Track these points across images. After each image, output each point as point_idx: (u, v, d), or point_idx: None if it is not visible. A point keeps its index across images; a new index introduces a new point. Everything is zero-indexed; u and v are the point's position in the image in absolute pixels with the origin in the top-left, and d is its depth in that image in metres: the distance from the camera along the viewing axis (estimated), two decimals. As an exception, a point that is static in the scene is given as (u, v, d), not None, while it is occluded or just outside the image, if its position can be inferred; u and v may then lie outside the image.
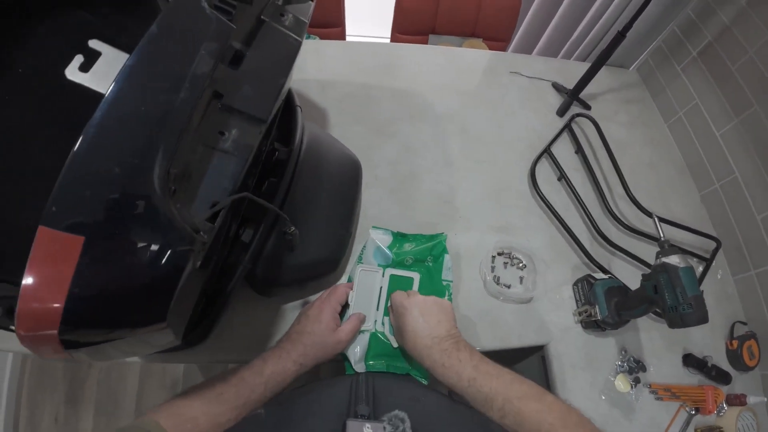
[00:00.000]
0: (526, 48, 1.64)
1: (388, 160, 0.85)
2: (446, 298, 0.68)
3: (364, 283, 0.63)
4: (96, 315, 0.26)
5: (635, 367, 0.72)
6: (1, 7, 0.45)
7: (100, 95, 0.28)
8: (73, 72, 0.31)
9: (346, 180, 0.73)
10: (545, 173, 0.90)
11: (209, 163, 0.36)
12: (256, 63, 0.41)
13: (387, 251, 0.68)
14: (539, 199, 0.84)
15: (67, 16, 0.51)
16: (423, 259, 0.70)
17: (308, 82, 0.98)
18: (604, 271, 0.78)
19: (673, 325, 0.59)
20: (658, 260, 0.61)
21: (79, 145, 0.26)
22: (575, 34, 1.39)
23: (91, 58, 0.32)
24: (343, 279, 0.70)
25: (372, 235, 0.70)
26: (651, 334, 0.76)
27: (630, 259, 0.81)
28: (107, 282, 0.26)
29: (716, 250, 0.86)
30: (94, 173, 0.26)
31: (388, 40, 1.40)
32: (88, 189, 0.25)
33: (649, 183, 0.94)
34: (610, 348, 0.73)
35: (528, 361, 0.84)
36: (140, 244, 0.27)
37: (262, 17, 0.45)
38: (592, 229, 0.82)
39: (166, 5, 0.32)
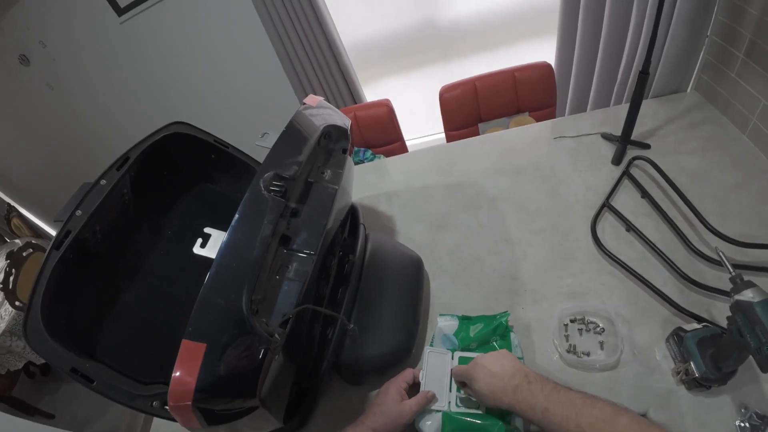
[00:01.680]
0: (581, 106, 1.76)
1: (449, 249, 1.01)
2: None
3: (434, 364, 0.75)
4: (214, 391, 0.47)
5: (760, 425, 0.65)
6: (154, 189, 0.80)
7: (212, 260, 0.52)
8: (197, 248, 0.57)
9: (409, 276, 0.90)
10: (611, 228, 0.95)
11: (280, 288, 0.57)
12: (308, 214, 0.64)
13: (453, 338, 0.81)
14: (607, 256, 0.89)
15: (202, 187, 0.92)
16: (487, 341, 0.80)
17: (377, 197, 1.23)
18: (699, 319, 0.77)
19: (764, 369, 0.56)
20: (732, 299, 0.62)
21: (201, 290, 0.49)
22: (618, 77, 1.48)
23: (205, 239, 0.58)
24: (418, 364, 0.83)
25: (439, 323, 0.84)
26: None
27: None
28: (220, 369, 0.47)
29: None
30: (210, 305, 0.49)
31: (443, 135, 1.65)
32: (207, 314, 0.48)
33: (741, 206, 0.92)
34: (725, 407, 0.68)
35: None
36: (237, 345, 0.48)
37: (309, 180, 0.70)
38: (678, 275, 0.83)
39: (245, 196, 0.57)
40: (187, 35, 2.11)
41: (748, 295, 0.59)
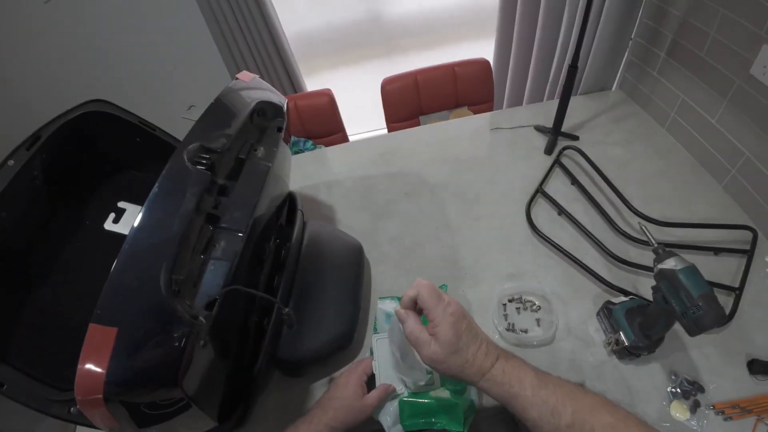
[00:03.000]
0: (517, 101, 1.84)
1: (391, 236, 1.00)
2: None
3: (383, 350, 0.73)
4: (128, 380, 0.41)
5: (690, 390, 0.70)
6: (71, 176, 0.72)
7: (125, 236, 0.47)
8: (109, 224, 0.51)
9: (349, 263, 0.87)
10: (544, 213, 0.99)
11: (206, 268, 0.53)
12: (238, 191, 0.60)
13: (393, 315, 0.79)
14: (541, 239, 0.92)
15: (125, 175, 0.84)
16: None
17: (317, 186, 1.19)
18: (626, 293, 0.81)
19: (690, 332, 0.60)
20: (656, 269, 0.66)
21: (113, 268, 0.44)
22: (551, 75, 1.56)
23: (119, 214, 0.52)
24: (365, 352, 0.81)
25: (379, 305, 0.82)
26: (704, 350, 0.75)
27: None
28: (134, 355, 0.42)
29: (755, 239, 0.86)
30: (122, 286, 0.43)
31: (386, 130, 1.65)
32: (119, 295, 0.43)
33: (664, 191, 0.99)
34: (656, 375, 0.73)
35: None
36: (154, 329, 0.43)
37: (240, 156, 0.65)
38: (606, 255, 0.88)
39: (166, 167, 0.52)
40: (117, 20, 1.95)
41: (671, 264, 0.62)
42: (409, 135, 1.31)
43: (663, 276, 0.63)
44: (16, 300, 0.70)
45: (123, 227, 0.51)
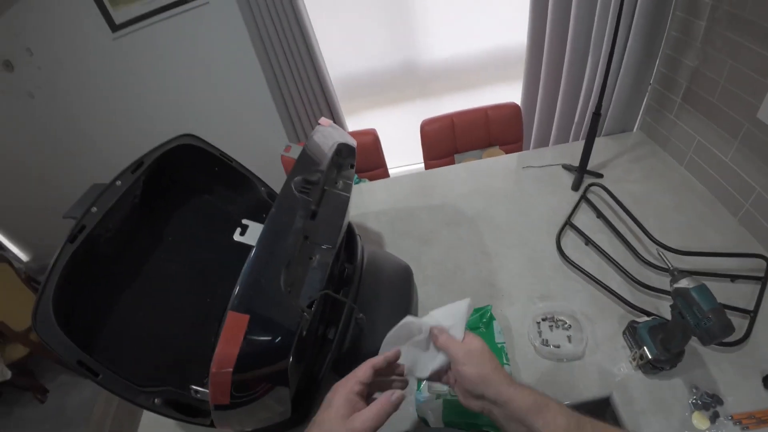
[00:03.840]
0: (544, 141, 1.99)
1: (434, 260, 1.13)
2: (503, 360, 0.86)
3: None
4: (255, 358, 0.55)
5: (710, 402, 0.77)
6: (157, 198, 0.89)
7: (252, 247, 0.61)
8: (237, 236, 0.66)
9: (401, 281, 1.00)
10: (573, 242, 1.11)
11: (306, 275, 0.67)
12: (325, 215, 0.75)
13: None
14: (570, 265, 1.04)
15: (200, 198, 1.00)
16: (476, 327, 0.91)
17: (366, 215, 1.34)
18: (648, 314, 0.92)
19: (703, 341, 0.70)
20: (672, 288, 0.77)
21: (245, 268, 0.58)
22: (575, 117, 1.71)
23: (244, 229, 0.67)
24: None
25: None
26: (721, 366, 0.82)
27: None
28: (263, 336, 0.55)
29: (769, 266, 0.96)
30: (253, 281, 0.57)
31: (423, 165, 1.81)
32: (250, 291, 0.57)
33: (679, 224, 1.10)
34: (678, 388, 0.81)
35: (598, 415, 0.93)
36: (275, 318, 0.57)
37: (324, 188, 0.81)
38: (630, 280, 0.98)
39: (278, 195, 0.67)
40: (180, 58, 2.18)
41: (684, 283, 0.73)
42: (446, 171, 1.46)
43: (678, 294, 0.74)
44: (103, 303, 0.82)
45: (249, 239, 0.65)
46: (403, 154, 2.49)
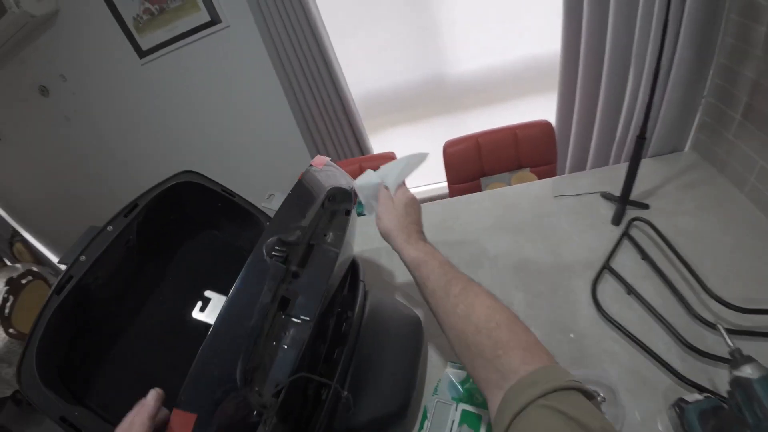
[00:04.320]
0: (580, 164, 1.81)
1: (449, 308, 1.01)
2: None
3: (439, 414, 0.75)
4: None
5: None
6: (159, 236, 0.86)
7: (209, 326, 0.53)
8: (196, 312, 0.58)
9: (408, 337, 0.90)
10: (611, 290, 0.95)
11: (276, 355, 0.58)
12: (308, 278, 0.66)
13: (459, 386, 0.83)
14: (608, 321, 0.89)
15: (206, 234, 0.97)
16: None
17: (378, 251, 1.25)
18: (700, 389, 0.76)
19: None
20: (731, 375, 0.62)
21: (196, 358, 0.50)
22: (617, 136, 1.53)
23: (205, 303, 0.59)
24: (419, 421, 0.82)
25: (447, 370, 0.86)
26: None
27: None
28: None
29: None
30: (203, 375, 0.49)
31: (447, 188, 1.69)
32: (200, 384, 0.49)
33: (740, 268, 0.92)
34: None
35: None
36: (228, 417, 0.48)
37: (311, 242, 0.72)
38: (679, 342, 0.83)
39: (247, 262, 0.59)
40: (203, 82, 2.21)
41: (746, 371, 0.59)
42: (470, 201, 1.33)
43: (738, 384, 0.60)
44: (99, 347, 0.80)
45: (209, 317, 0.57)
46: (428, 173, 2.37)
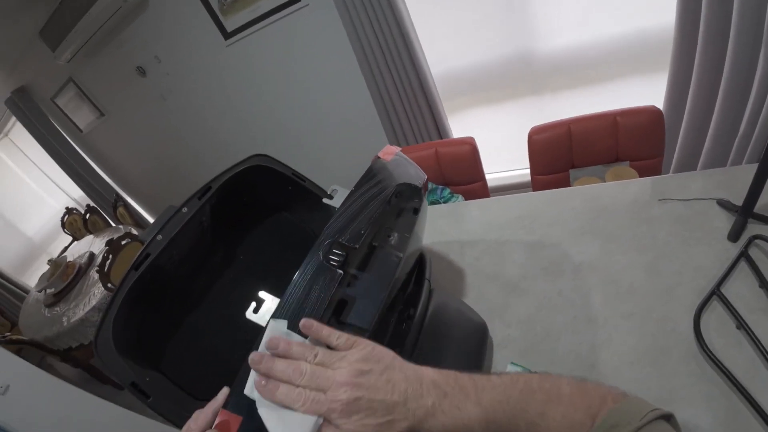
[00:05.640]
0: (691, 162, 1.56)
1: (521, 318, 0.93)
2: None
3: None
4: None
5: None
6: (232, 217, 0.90)
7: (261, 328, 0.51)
8: (249, 314, 0.57)
9: (471, 344, 0.84)
10: (718, 322, 0.81)
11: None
12: (367, 284, 0.62)
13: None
14: (709, 358, 0.76)
15: (277, 216, 1.01)
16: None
17: (450, 244, 1.18)
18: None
19: None
20: None
21: (245, 363, 0.48)
22: (740, 130, 1.28)
23: (259, 304, 0.58)
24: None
25: (508, 370, 0.80)
26: None
27: None
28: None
29: None
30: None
31: (529, 178, 1.56)
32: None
33: None
34: None
35: None
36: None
37: (373, 243, 0.67)
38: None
39: (302, 264, 0.56)
40: (283, 60, 2.25)
41: None
42: (555, 198, 1.21)
43: None
44: (173, 319, 0.85)
45: (260, 319, 0.56)
46: (511, 158, 2.22)
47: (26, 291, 3.50)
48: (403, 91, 1.99)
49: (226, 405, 0.48)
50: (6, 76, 3.15)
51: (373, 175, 0.72)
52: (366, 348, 0.47)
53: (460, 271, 1.10)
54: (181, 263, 0.87)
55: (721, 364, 0.74)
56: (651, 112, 1.35)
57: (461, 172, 1.58)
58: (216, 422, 0.47)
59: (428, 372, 0.47)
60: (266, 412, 0.45)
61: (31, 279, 3.53)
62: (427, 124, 2.06)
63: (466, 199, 1.55)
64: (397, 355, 0.48)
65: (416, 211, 0.75)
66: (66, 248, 3.57)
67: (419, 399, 0.44)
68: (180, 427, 0.60)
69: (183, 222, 0.83)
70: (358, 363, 0.45)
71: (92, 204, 3.74)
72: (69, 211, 3.72)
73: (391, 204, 0.74)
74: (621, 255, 0.98)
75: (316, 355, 0.46)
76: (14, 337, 2.42)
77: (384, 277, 0.63)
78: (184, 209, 0.85)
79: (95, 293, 2.41)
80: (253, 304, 0.57)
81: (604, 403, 0.44)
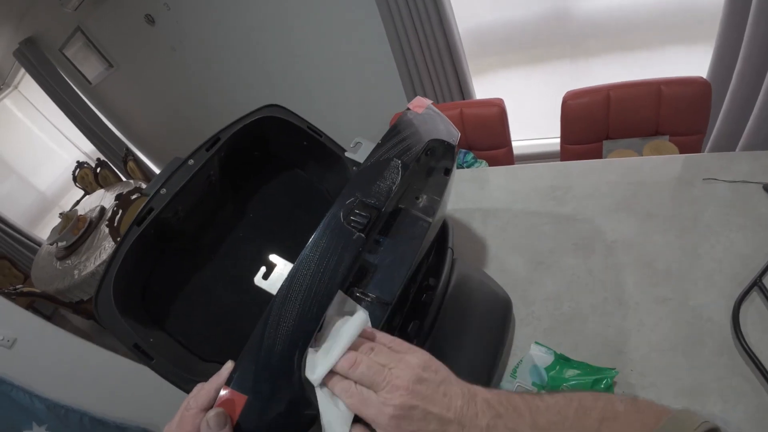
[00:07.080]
0: (734, 140, 1.45)
1: (546, 295, 0.87)
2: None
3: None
4: None
5: None
6: (242, 172, 0.86)
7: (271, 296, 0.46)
8: (258, 279, 0.51)
9: (494, 320, 0.79)
10: (758, 315, 0.74)
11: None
12: (391, 251, 0.56)
13: (543, 372, 0.71)
14: (745, 352, 0.70)
15: (290, 173, 0.94)
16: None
17: (472, 212, 1.11)
18: None
19: None
20: None
21: (251, 338, 0.44)
22: None
23: (269, 269, 0.52)
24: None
25: (531, 351, 0.75)
26: None
27: None
28: (256, 426, 0.42)
29: None
30: (260, 358, 0.43)
31: (558, 148, 1.46)
32: (255, 367, 0.43)
33: None
34: None
35: None
36: (280, 406, 0.43)
37: (400, 206, 0.61)
38: None
39: (320, 226, 0.50)
40: (299, 10, 2.12)
41: None
42: (588, 170, 1.12)
43: None
44: (178, 277, 0.81)
45: (271, 286, 0.50)
46: (538, 126, 2.10)
47: (39, 244, 3.51)
48: (427, 47, 1.86)
49: (229, 381, 0.43)
50: (14, 27, 3.06)
51: (403, 128, 0.64)
52: (424, 355, 0.44)
53: (482, 241, 1.04)
54: (187, 219, 0.81)
55: (758, 360, 0.68)
56: (700, 84, 1.24)
57: (487, 136, 1.48)
58: (219, 400, 0.42)
59: (480, 390, 0.43)
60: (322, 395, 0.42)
61: (44, 232, 3.52)
62: (450, 84, 1.94)
63: (490, 166, 1.47)
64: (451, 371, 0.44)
65: (447, 171, 0.67)
66: (78, 202, 3.54)
67: (474, 419, 0.39)
68: (184, 390, 0.56)
69: (189, 175, 0.76)
70: (418, 369, 0.41)
71: (102, 158, 3.69)
72: (80, 165, 3.69)
73: (421, 162, 0.67)
74: (659, 235, 0.91)
75: (372, 349, 0.42)
76: (26, 289, 2.43)
77: (410, 245, 0.56)
78: (191, 161, 0.78)
79: (106, 247, 2.41)
80: (263, 270, 0.51)
81: (658, 419, 0.41)
